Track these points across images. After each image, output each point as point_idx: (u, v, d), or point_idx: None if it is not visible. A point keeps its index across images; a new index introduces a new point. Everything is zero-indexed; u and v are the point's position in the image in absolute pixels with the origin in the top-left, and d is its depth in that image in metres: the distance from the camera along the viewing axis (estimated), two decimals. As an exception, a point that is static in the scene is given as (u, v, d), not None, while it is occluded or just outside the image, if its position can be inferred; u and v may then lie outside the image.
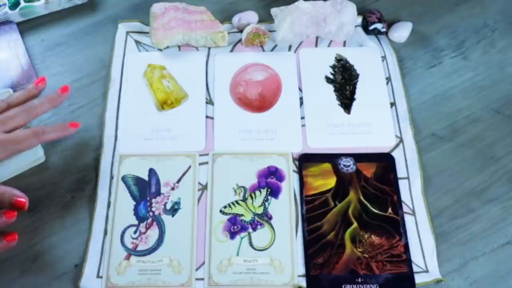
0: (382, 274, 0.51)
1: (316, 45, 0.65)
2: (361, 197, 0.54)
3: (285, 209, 0.54)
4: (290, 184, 0.55)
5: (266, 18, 0.66)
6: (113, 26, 0.66)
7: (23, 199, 0.48)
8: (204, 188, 0.55)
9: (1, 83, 0.59)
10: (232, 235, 0.53)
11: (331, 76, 0.62)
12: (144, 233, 0.53)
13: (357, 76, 0.62)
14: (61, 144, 0.58)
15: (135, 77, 0.62)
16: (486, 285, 0.51)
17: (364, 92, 0.61)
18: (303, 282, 0.51)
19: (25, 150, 0.52)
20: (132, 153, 0.57)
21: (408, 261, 0.51)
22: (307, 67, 0.63)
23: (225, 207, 0.54)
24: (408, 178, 0.56)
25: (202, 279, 0.51)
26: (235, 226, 0.53)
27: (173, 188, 0.55)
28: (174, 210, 0.54)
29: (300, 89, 0.61)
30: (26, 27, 0.66)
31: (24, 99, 0.53)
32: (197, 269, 0.51)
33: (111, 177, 0.56)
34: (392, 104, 0.60)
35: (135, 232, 0.53)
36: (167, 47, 0.64)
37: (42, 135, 0.51)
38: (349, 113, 0.60)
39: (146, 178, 0.56)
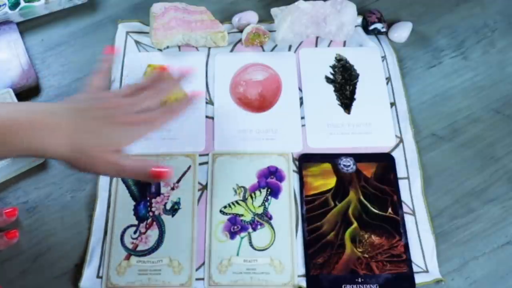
0: (382, 274, 0.51)
1: (316, 45, 0.65)
2: (361, 197, 0.54)
3: (285, 209, 0.54)
4: (290, 184, 0.55)
5: (266, 18, 0.66)
6: (113, 26, 0.66)
7: (165, 168, 0.47)
8: (204, 188, 0.55)
9: (1, 83, 0.59)
10: (232, 235, 0.53)
11: (331, 76, 0.62)
12: (144, 233, 0.53)
13: (357, 76, 0.62)
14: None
15: (135, 77, 0.61)
16: (486, 285, 0.51)
17: (364, 92, 0.61)
18: (303, 282, 0.51)
19: (157, 129, 0.51)
20: (132, 153, 0.57)
21: (408, 261, 0.51)
22: (307, 67, 0.63)
23: (225, 207, 0.54)
24: (408, 178, 0.56)
25: (202, 279, 0.51)
26: (235, 226, 0.53)
27: (173, 188, 0.55)
28: (174, 210, 0.54)
29: (300, 89, 0.61)
30: (26, 27, 0.66)
31: (150, 84, 0.53)
32: (197, 269, 0.51)
33: (111, 177, 0.56)
34: (392, 104, 0.60)
35: (135, 232, 0.53)
36: (167, 47, 0.64)
37: (171, 113, 0.51)
38: (349, 113, 0.60)
39: (146, 178, 0.56)
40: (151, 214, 0.54)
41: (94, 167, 0.47)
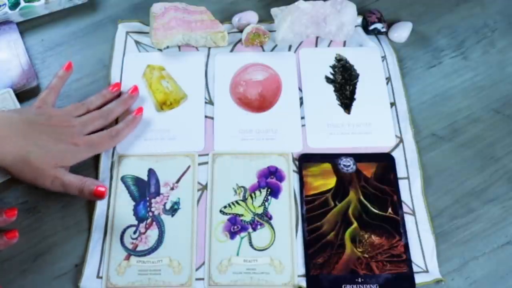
0: (382, 274, 0.51)
1: (316, 45, 0.65)
2: (361, 197, 0.54)
3: (285, 209, 0.54)
4: (290, 184, 0.55)
5: (266, 18, 0.66)
6: (113, 26, 0.66)
7: (103, 188, 0.51)
8: (204, 188, 0.55)
9: (1, 83, 0.59)
10: (232, 235, 0.53)
11: (331, 76, 0.62)
12: (144, 233, 0.53)
13: (357, 76, 0.62)
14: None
15: (134, 77, 0.61)
16: (486, 285, 0.51)
17: (364, 92, 0.61)
18: (303, 282, 0.51)
19: (102, 151, 0.56)
20: (131, 153, 0.57)
21: (408, 261, 0.51)
22: (307, 67, 0.63)
23: (225, 207, 0.54)
24: (408, 178, 0.56)
25: (202, 279, 0.51)
26: (235, 226, 0.53)
27: (172, 188, 0.55)
28: (173, 210, 0.54)
29: (300, 89, 0.61)
30: (26, 27, 0.65)
31: (100, 103, 0.57)
32: (197, 269, 0.51)
33: (111, 178, 0.56)
34: (392, 104, 0.60)
35: (134, 232, 0.53)
36: (167, 47, 0.64)
37: (116, 137, 0.56)
38: (349, 113, 0.60)
39: (146, 178, 0.56)
40: (150, 214, 0.54)
41: (38, 179, 0.51)
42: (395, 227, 0.53)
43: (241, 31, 0.64)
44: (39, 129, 0.51)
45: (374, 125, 0.59)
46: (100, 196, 0.51)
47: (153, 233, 0.53)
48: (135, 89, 0.59)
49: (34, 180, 0.50)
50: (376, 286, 0.50)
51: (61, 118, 0.53)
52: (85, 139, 0.53)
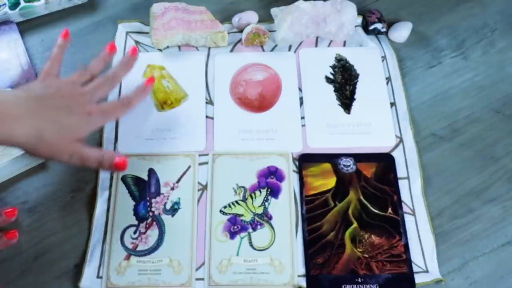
0: (382, 274, 0.51)
1: (316, 45, 0.65)
2: (361, 197, 0.54)
3: (285, 209, 0.54)
4: (290, 184, 0.55)
5: (266, 18, 0.66)
6: (113, 26, 0.66)
7: (123, 157, 0.49)
8: (204, 188, 0.55)
9: (1, 83, 0.59)
10: (232, 235, 0.53)
11: (331, 76, 0.62)
12: (144, 233, 0.53)
13: (357, 76, 0.62)
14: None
15: (134, 77, 0.61)
16: (486, 285, 0.51)
17: (364, 92, 0.61)
18: (303, 282, 0.51)
19: (115, 120, 0.55)
20: (132, 153, 0.57)
21: (408, 261, 0.51)
22: (307, 67, 0.63)
23: (225, 207, 0.54)
24: (408, 178, 0.56)
25: (202, 279, 0.51)
26: (235, 226, 0.53)
27: (172, 188, 0.55)
28: (174, 210, 0.54)
29: (300, 89, 0.61)
30: (26, 27, 0.66)
31: (102, 68, 0.55)
32: (197, 269, 0.51)
33: (111, 177, 0.56)
34: (392, 104, 0.60)
35: (135, 232, 0.53)
36: (167, 47, 0.64)
37: (128, 104, 0.53)
38: (349, 113, 0.60)
39: (146, 178, 0.56)
40: (151, 214, 0.54)
41: (55, 155, 0.48)
42: (395, 227, 0.53)
43: (241, 31, 0.64)
44: (49, 104, 0.48)
45: (374, 125, 0.59)
46: (121, 166, 0.49)
47: (153, 233, 0.53)
48: (134, 49, 0.56)
49: (51, 157, 0.49)
50: (376, 286, 0.50)
51: (70, 87, 0.51)
52: (98, 107, 0.51)
